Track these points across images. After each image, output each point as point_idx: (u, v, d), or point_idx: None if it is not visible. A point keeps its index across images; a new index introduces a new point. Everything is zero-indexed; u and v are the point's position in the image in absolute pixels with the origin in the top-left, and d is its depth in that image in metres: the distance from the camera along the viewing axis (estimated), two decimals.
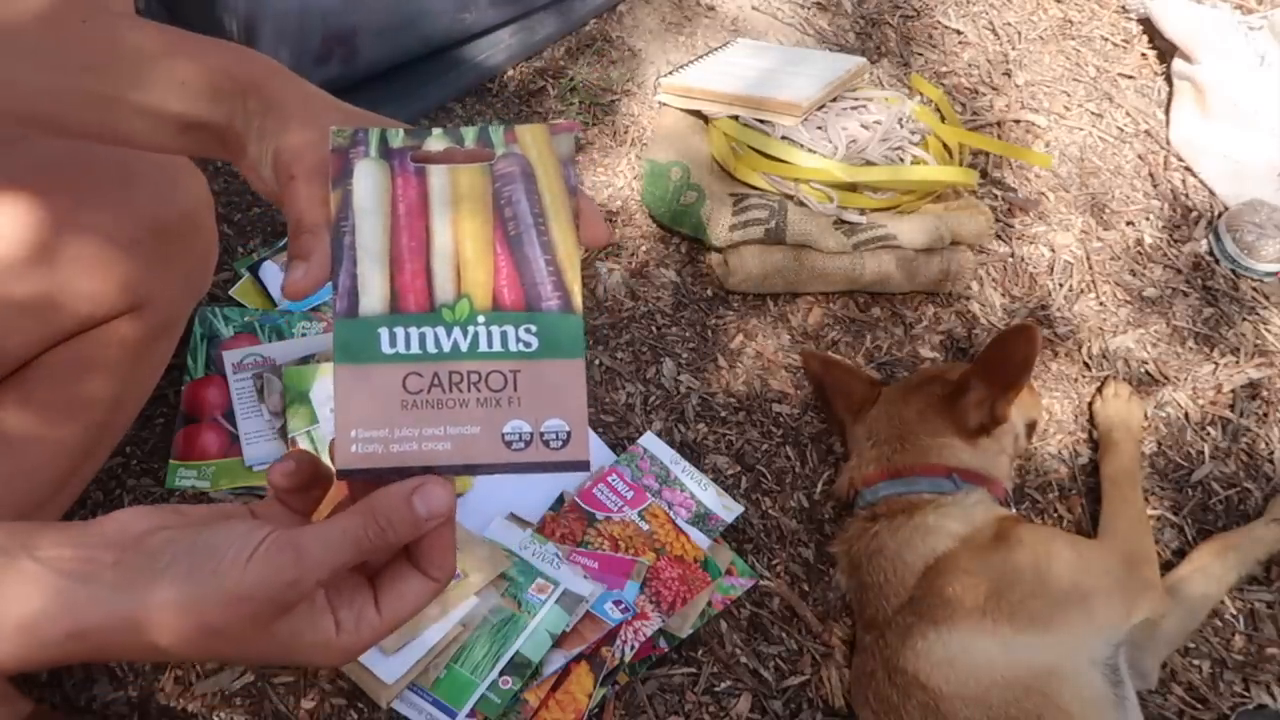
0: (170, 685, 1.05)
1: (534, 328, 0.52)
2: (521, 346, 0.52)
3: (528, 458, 0.50)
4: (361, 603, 0.50)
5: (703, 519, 1.24)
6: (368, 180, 0.53)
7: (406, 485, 0.49)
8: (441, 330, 0.52)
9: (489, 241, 0.54)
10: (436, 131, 0.55)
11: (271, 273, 1.29)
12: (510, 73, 1.64)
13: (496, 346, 0.52)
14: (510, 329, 0.52)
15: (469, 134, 0.55)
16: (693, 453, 1.32)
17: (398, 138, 0.54)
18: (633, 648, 1.10)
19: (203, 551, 0.46)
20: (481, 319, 0.52)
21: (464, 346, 0.52)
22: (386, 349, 0.51)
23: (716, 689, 1.14)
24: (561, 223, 0.54)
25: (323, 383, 1.17)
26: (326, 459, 0.51)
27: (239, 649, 0.48)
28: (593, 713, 1.08)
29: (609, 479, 1.24)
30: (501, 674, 1.05)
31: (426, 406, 0.50)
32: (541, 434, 0.51)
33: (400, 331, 0.51)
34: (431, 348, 0.51)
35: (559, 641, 1.08)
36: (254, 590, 0.46)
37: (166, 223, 0.80)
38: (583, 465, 0.50)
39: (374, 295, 0.52)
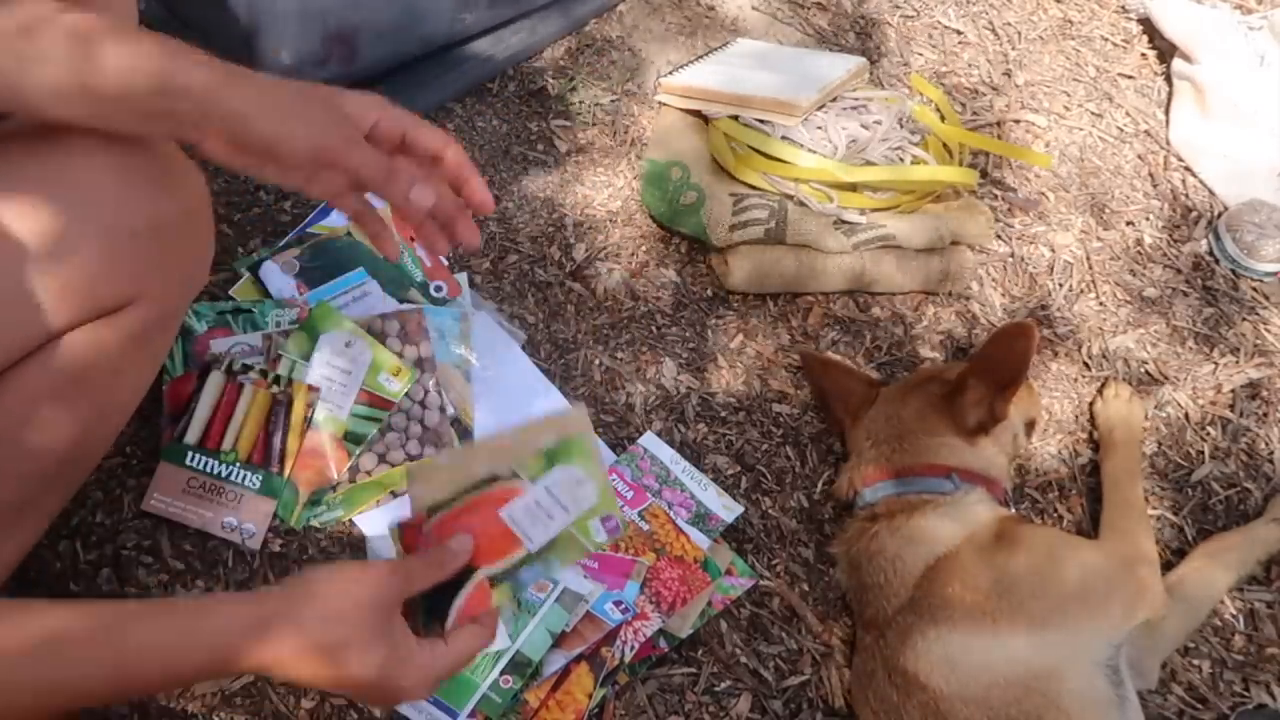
0: None
1: (259, 480, 1.13)
2: (248, 484, 1.12)
3: (226, 536, 1.10)
4: (432, 640, 0.74)
5: (703, 519, 1.24)
6: (213, 386, 1.15)
7: (456, 539, 0.78)
8: (215, 461, 1.12)
9: (260, 425, 1.15)
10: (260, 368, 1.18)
11: (272, 272, 1.28)
12: (510, 73, 1.64)
13: (235, 480, 1.12)
14: (249, 474, 1.13)
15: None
16: (693, 453, 1.32)
17: (247, 368, 1.16)
18: (633, 648, 1.10)
19: (332, 570, 0.73)
20: (238, 464, 1.13)
21: (223, 474, 1.12)
22: (189, 462, 1.12)
23: (716, 689, 1.14)
24: (295, 436, 1.15)
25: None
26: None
27: (364, 644, 0.69)
28: (593, 713, 1.08)
29: (609, 479, 1.24)
30: (502, 673, 1.05)
31: (192, 496, 1.11)
32: (240, 526, 1.11)
33: (199, 456, 1.12)
34: (209, 469, 1.12)
35: (559, 641, 1.08)
36: (379, 584, 0.71)
37: (166, 217, 0.80)
38: (251, 552, 1.11)
39: (194, 435, 1.13)
